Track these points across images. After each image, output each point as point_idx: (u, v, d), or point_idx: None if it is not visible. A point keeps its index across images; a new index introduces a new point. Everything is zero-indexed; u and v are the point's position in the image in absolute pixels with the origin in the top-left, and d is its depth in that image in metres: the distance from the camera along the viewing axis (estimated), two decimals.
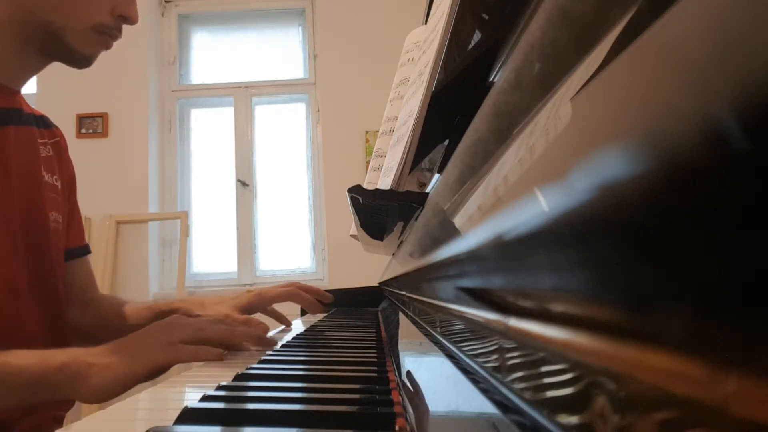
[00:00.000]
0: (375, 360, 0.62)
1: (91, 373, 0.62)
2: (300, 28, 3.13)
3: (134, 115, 2.89)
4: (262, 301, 1.02)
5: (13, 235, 0.77)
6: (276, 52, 3.13)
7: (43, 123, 0.89)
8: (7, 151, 0.78)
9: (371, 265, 1.80)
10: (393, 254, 0.93)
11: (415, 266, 0.49)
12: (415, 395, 0.38)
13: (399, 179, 0.59)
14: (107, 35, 0.80)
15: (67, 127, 2.75)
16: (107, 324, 0.93)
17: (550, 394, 0.15)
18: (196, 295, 2.73)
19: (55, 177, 0.88)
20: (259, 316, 0.95)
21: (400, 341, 0.64)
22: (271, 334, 0.96)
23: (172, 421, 0.37)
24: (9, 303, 0.76)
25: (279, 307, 1.09)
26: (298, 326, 1.09)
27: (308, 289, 1.13)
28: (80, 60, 0.80)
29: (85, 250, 0.97)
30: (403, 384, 0.45)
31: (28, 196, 0.80)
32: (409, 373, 0.44)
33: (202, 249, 3.01)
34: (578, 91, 0.12)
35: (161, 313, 0.92)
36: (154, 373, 0.65)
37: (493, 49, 0.58)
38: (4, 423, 0.73)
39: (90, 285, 0.98)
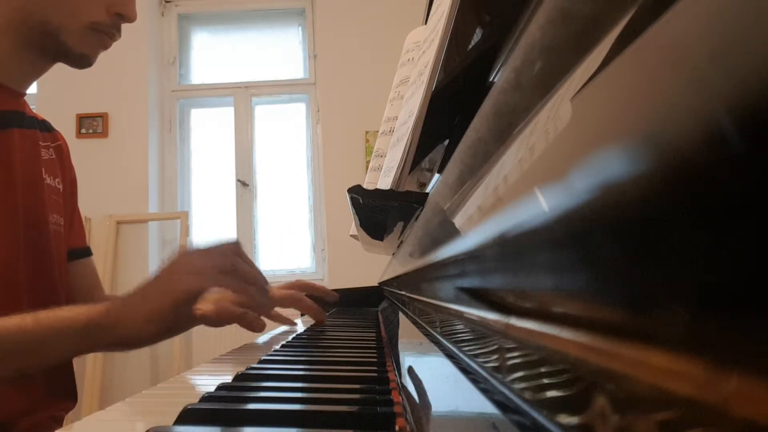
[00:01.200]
0: (375, 360, 0.62)
1: (132, 310, 0.65)
2: (300, 28, 3.13)
3: (134, 115, 2.90)
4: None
5: (17, 237, 0.78)
6: (276, 52, 3.13)
7: (44, 126, 0.90)
8: (12, 153, 0.78)
9: (371, 265, 1.80)
10: (393, 254, 0.93)
11: (415, 266, 0.49)
12: (415, 395, 0.38)
13: (399, 179, 0.59)
14: (104, 34, 0.80)
15: (67, 127, 2.76)
16: None
17: (550, 394, 0.15)
18: None
19: (57, 180, 0.88)
20: None
21: (400, 341, 0.64)
22: (272, 334, 0.96)
23: (172, 421, 0.37)
24: (10, 305, 0.76)
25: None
26: (298, 326, 1.08)
27: (313, 288, 1.11)
28: (79, 59, 0.80)
29: (87, 252, 0.97)
30: (403, 384, 0.45)
31: (29, 198, 0.81)
32: (409, 373, 0.44)
33: None
34: (578, 91, 0.12)
35: None
36: (187, 302, 0.66)
37: (493, 49, 0.58)
38: (4, 423, 0.73)
39: (95, 286, 0.98)
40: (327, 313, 1.33)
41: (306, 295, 1.07)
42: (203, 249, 0.72)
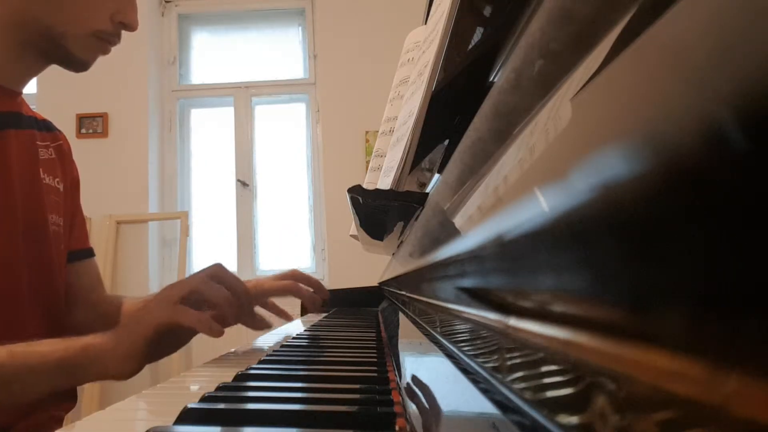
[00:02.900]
0: (375, 360, 0.62)
1: (109, 349, 0.64)
2: (300, 28, 3.13)
3: (134, 115, 2.90)
4: (259, 293, 0.95)
5: (15, 238, 0.77)
6: (276, 52, 3.13)
7: (44, 126, 0.89)
8: (9, 154, 0.78)
9: (371, 265, 1.80)
10: (393, 254, 0.93)
11: (415, 266, 0.49)
12: (415, 395, 0.38)
13: (399, 179, 0.59)
14: (106, 41, 0.80)
15: (67, 127, 2.75)
16: (110, 323, 0.93)
17: (550, 394, 0.15)
18: None
19: (57, 180, 0.88)
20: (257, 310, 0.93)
21: (400, 341, 0.64)
22: (272, 334, 0.95)
23: (172, 421, 0.37)
24: (9, 306, 0.76)
25: (279, 302, 1.05)
26: (298, 326, 1.08)
27: (307, 280, 1.08)
28: (78, 64, 0.81)
29: (89, 253, 0.97)
30: (403, 384, 0.45)
31: (27, 199, 0.80)
32: (409, 373, 0.44)
33: (202, 249, 3.01)
34: (578, 91, 0.12)
35: None
36: (155, 336, 0.64)
37: (493, 49, 0.58)
38: (3, 423, 0.73)
39: (97, 286, 0.98)
40: (327, 314, 1.33)
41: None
42: (183, 280, 0.71)
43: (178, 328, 0.66)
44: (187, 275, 2.84)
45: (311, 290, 1.02)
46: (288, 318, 1.06)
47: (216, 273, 0.71)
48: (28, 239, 0.79)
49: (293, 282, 1.00)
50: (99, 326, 0.94)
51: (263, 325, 0.73)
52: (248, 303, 0.74)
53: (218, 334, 0.66)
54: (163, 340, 0.66)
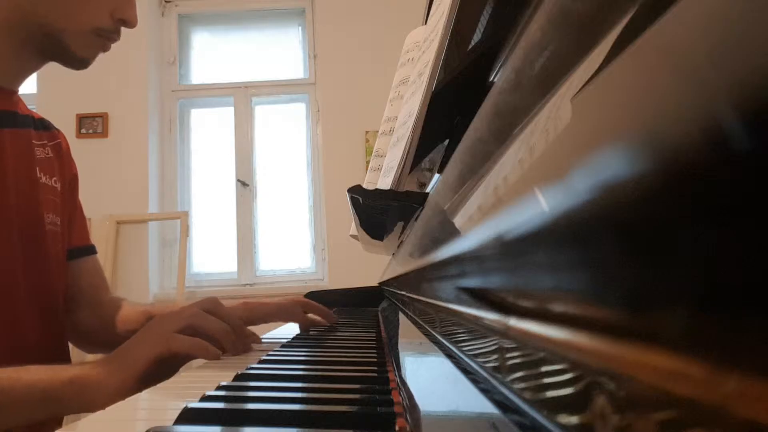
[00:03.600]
0: (375, 360, 0.62)
1: (98, 383, 0.61)
2: (300, 28, 3.13)
3: (134, 115, 2.90)
4: (254, 317, 0.88)
5: (10, 237, 0.77)
6: (276, 52, 3.13)
7: (41, 125, 0.89)
8: (4, 154, 0.78)
9: (371, 265, 1.80)
10: (393, 254, 0.93)
11: (415, 266, 0.49)
12: (415, 395, 0.38)
13: (399, 179, 0.59)
14: (106, 38, 0.80)
15: (67, 127, 2.75)
16: (110, 327, 0.93)
17: (550, 394, 0.15)
18: (196, 295, 2.72)
19: (54, 179, 0.87)
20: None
21: (400, 341, 0.64)
22: (273, 333, 0.95)
23: (172, 421, 0.37)
24: (6, 307, 0.76)
25: None
26: (298, 326, 1.08)
27: (313, 307, 0.99)
28: (78, 62, 0.81)
29: (90, 250, 0.96)
30: (403, 384, 0.45)
31: (23, 198, 0.80)
32: (409, 373, 0.44)
33: (202, 249, 3.01)
34: (578, 91, 0.12)
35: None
36: (154, 368, 0.63)
37: (493, 49, 0.58)
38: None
39: (100, 286, 0.97)
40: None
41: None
42: (174, 312, 0.70)
43: (173, 360, 0.65)
44: (187, 275, 2.85)
45: (309, 316, 0.96)
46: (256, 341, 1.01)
47: (211, 307, 0.71)
48: (24, 239, 0.79)
49: (291, 303, 0.94)
50: (100, 330, 0.93)
51: (215, 355, 0.71)
52: (242, 336, 0.74)
53: (215, 356, 0.66)
54: (159, 371, 0.64)
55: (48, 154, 0.87)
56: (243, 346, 0.74)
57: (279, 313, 0.92)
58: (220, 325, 0.69)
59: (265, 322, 0.89)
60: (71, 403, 0.61)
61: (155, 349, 0.64)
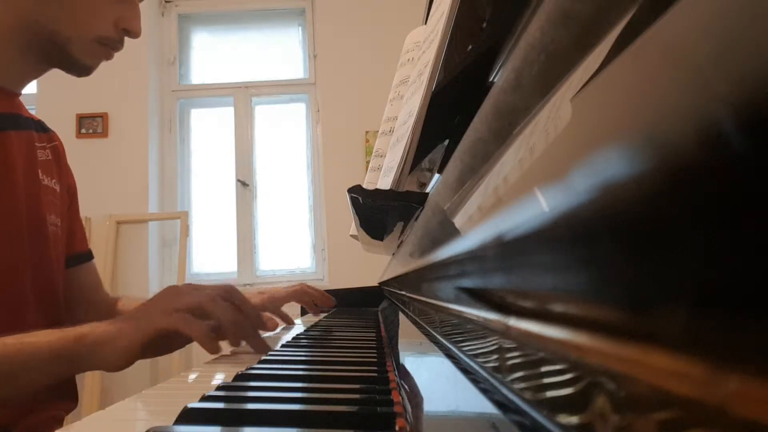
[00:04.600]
0: (375, 360, 0.62)
1: (105, 341, 0.63)
2: (300, 28, 3.13)
3: (134, 115, 2.90)
4: (274, 303, 1.05)
5: (20, 239, 0.78)
6: (276, 52, 3.13)
7: (40, 127, 0.90)
8: (11, 155, 0.79)
9: (371, 265, 1.80)
10: (393, 254, 0.93)
11: (415, 266, 0.49)
12: (415, 395, 0.38)
13: (399, 179, 0.59)
14: (109, 47, 0.82)
15: (66, 127, 2.76)
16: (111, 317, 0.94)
17: (550, 394, 0.15)
18: None
19: (54, 181, 0.88)
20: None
21: (400, 341, 0.64)
22: (274, 334, 0.96)
23: (172, 421, 0.37)
24: (13, 306, 0.77)
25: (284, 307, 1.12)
26: (298, 326, 1.09)
27: (316, 290, 1.21)
28: (81, 69, 0.82)
29: (89, 256, 0.99)
30: (403, 384, 0.45)
31: (29, 200, 0.81)
32: (409, 373, 0.44)
33: (202, 249, 3.01)
34: (578, 91, 0.12)
35: None
36: (155, 339, 0.64)
37: (493, 49, 0.58)
38: (4, 423, 0.73)
39: (97, 287, 0.99)
40: (327, 314, 1.33)
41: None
42: (193, 285, 0.71)
43: (178, 336, 0.66)
44: (187, 276, 2.85)
45: (316, 295, 1.20)
46: (291, 322, 1.11)
47: (227, 292, 0.71)
48: (31, 240, 0.80)
49: (301, 286, 1.18)
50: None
51: (265, 350, 0.71)
52: (256, 325, 0.73)
53: (215, 351, 0.66)
54: (161, 343, 0.66)
55: (48, 156, 0.88)
56: (256, 341, 0.73)
57: (294, 296, 1.16)
58: (231, 315, 0.68)
59: (284, 303, 1.11)
60: (82, 360, 0.63)
61: (164, 321, 0.64)
